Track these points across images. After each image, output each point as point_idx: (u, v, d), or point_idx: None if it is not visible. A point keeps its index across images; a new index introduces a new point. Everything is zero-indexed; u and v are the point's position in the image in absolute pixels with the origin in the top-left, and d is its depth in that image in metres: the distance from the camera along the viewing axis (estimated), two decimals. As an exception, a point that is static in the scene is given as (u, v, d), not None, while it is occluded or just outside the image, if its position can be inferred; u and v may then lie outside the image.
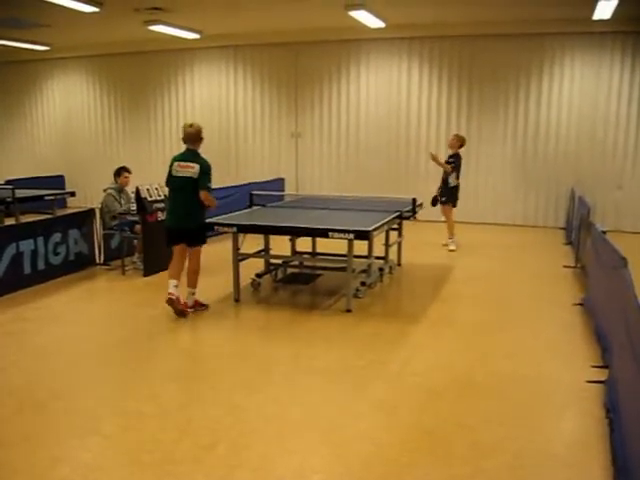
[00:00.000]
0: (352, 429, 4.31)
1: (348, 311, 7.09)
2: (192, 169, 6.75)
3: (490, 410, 4.67)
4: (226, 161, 15.98)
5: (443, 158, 11.23)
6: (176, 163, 6.87)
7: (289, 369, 5.50)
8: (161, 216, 8.90)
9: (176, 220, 7.02)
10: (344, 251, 7.15)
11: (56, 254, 8.58)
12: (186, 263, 7.15)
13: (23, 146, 18.40)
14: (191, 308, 7.09)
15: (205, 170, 6.79)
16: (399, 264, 9.48)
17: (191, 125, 6.97)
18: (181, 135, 7.03)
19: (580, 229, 9.19)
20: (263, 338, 6.36)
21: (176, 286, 6.88)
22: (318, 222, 7.53)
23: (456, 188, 10.93)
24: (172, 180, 6.93)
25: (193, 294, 7.12)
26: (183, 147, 6.99)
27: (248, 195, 9.09)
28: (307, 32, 14.06)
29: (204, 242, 7.17)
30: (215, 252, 9.46)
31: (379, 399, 4.83)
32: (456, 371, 5.43)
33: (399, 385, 5.14)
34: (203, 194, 6.79)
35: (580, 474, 3.78)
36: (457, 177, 10.87)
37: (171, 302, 6.83)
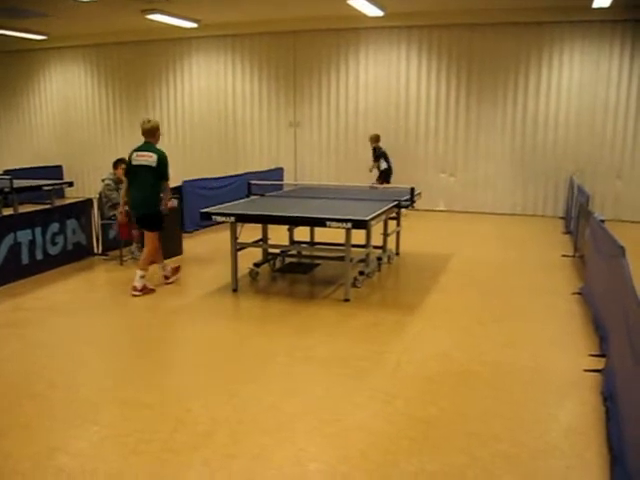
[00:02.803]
0: (350, 418, 4.32)
1: (346, 300, 7.10)
2: (150, 158, 7.30)
3: (487, 399, 4.67)
4: (225, 151, 15.99)
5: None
6: (135, 153, 7.43)
7: (287, 358, 5.50)
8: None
9: (135, 207, 7.56)
10: (342, 240, 7.15)
11: (54, 244, 8.58)
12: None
13: (21, 136, 18.37)
14: (139, 291, 7.40)
15: (163, 161, 7.36)
16: (397, 253, 9.48)
17: (149, 121, 7.52)
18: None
19: (579, 218, 9.19)
20: (261, 328, 6.36)
21: (143, 276, 7.44)
22: (316, 211, 7.52)
23: (387, 170, 13.27)
24: (131, 169, 7.43)
25: (142, 277, 7.44)
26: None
27: (246, 185, 9.07)
28: (306, 21, 14.03)
29: (160, 228, 7.59)
30: (213, 242, 9.49)
31: (377, 389, 4.84)
32: (454, 361, 5.44)
33: (397, 375, 5.14)
34: (165, 184, 7.46)
35: (577, 462, 3.79)
36: (387, 162, 13.23)
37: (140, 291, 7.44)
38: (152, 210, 7.47)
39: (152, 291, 7.55)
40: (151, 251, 7.56)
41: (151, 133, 7.45)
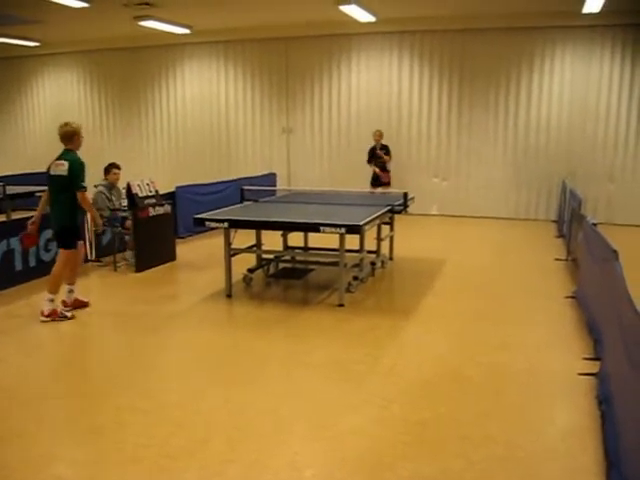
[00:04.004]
0: (345, 422, 4.32)
1: (340, 305, 7.10)
2: (62, 167, 6.58)
3: (482, 403, 4.69)
4: (217, 156, 15.98)
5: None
6: (53, 162, 6.73)
7: (282, 364, 5.50)
8: (152, 212, 8.90)
9: (52, 220, 6.82)
10: (336, 246, 7.16)
11: (47, 251, 8.54)
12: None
13: (14, 142, 18.33)
14: (47, 317, 6.60)
15: (74, 169, 6.58)
16: (391, 258, 9.49)
17: (66, 124, 6.84)
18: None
19: (571, 222, 9.23)
20: (255, 333, 6.35)
21: (51, 300, 6.64)
22: (310, 217, 7.52)
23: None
24: (48, 179, 6.76)
25: (51, 300, 6.64)
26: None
27: (240, 190, 9.06)
28: (297, 27, 14.05)
29: (69, 246, 6.76)
30: (206, 247, 9.48)
31: (372, 393, 4.84)
32: (448, 364, 5.45)
33: (392, 379, 5.15)
34: (79, 195, 6.58)
35: (572, 466, 3.80)
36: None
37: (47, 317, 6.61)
38: (60, 225, 6.70)
39: (65, 318, 6.67)
40: (55, 271, 6.73)
41: (67, 138, 6.76)
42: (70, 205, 6.63)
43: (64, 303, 6.91)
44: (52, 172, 6.67)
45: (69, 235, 6.75)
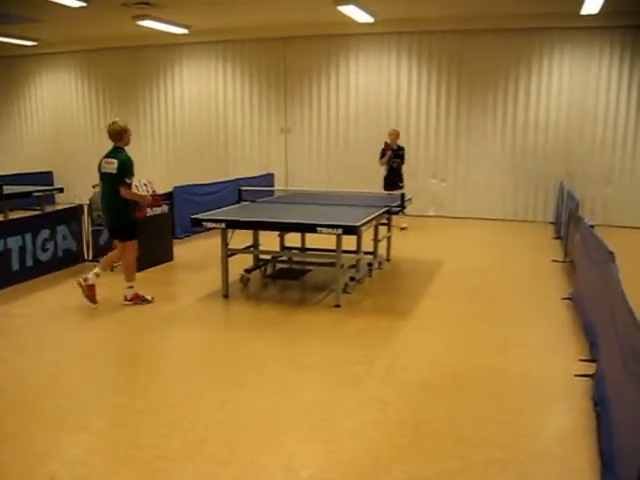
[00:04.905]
0: (342, 424, 4.32)
1: (337, 306, 7.10)
2: (112, 165, 6.86)
3: (479, 405, 4.69)
4: (215, 157, 15.98)
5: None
6: (103, 160, 7.02)
7: (279, 365, 5.50)
8: (150, 212, 8.89)
9: (103, 215, 7.45)
10: (333, 246, 7.16)
11: (44, 250, 8.54)
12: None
13: (11, 142, 18.30)
14: (130, 301, 7.23)
15: (122, 166, 6.86)
16: (388, 259, 9.49)
17: (113, 123, 7.04)
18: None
19: (569, 223, 9.23)
20: (252, 334, 6.35)
21: (97, 274, 7.13)
22: (307, 217, 7.52)
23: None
24: (100, 176, 7.13)
25: (131, 287, 7.26)
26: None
27: (237, 190, 9.06)
28: (296, 27, 14.05)
29: (130, 238, 7.22)
30: (204, 248, 9.47)
31: (369, 394, 4.84)
32: (445, 366, 5.45)
33: (389, 380, 5.15)
34: (122, 190, 6.89)
35: (568, 467, 3.81)
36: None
37: (80, 284, 7.11)
38: (115, 220, 7.16)
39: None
40: (127, 262, 7.29)
41: (115, 135, 6.97)
42: (120, 201, 6.96)
43: (81, 284, 7.18)
44: (102, 170, 7.01)
45: (124, 229, 7.19)
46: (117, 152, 6.96)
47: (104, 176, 7.00)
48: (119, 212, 7.08)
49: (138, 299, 7.28)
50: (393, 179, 11.89)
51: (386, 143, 11.98)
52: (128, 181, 6.91)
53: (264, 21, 13.70)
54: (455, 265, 9.37)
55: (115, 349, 6.00)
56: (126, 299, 7.24)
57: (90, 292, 7.10)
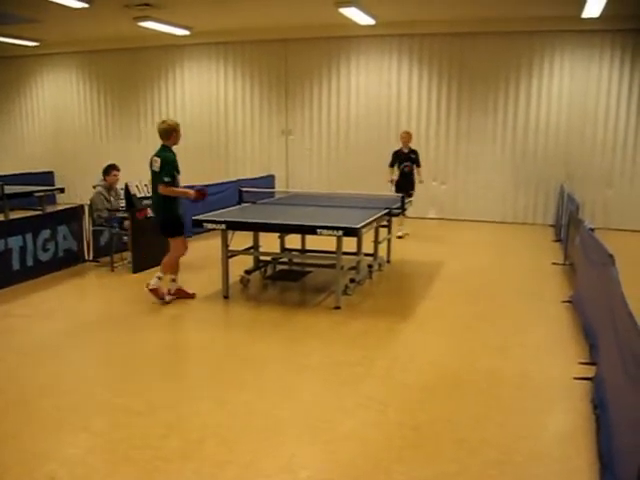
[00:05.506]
0: (341, 426, 4.32)
1: (337, 308, 7.10)
2: (156, 163, 7.00)
3: (478, 406, 4.69)
4: (216, 158, 15.99)
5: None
6: (152, 157, 7.13)
7: (278, 366, 5.50)
8: (150, 213, 8.88)
9: (153, 211, 7.51)
10: (333, 248, 7.16)
11: (45, 250, 8.55)
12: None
13: (12, 142, 18.31)
14: (172, 295, 7.38)
15: (163, 164, 6.96)
16: (388, 261, 9.49)
17: (164, 122, 7.15)
18: None
19: (569, 226, 9.24)
20: (252, 335, 6.35)
21: (159, 277, 7.24)
22: (307, 219, 7.52)
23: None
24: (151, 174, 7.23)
25: (173, 280, 7.42)
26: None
27: (238, 192, 9.06)
28: (297, 29, 14.06)
29: (175, 234, 7.28)
30: (204, 249, 9.47)
31: (368, 396, 4.84)
32: (445, 368, 5.45)
33: (388, 382, 5.15)
34: (160, 188, 6.98)
35: (567, 469, 3.81)
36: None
37: (150, 291, 7.26)
38: (160, 216, 7.25)
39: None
40: (170, 256, 7.34)
41: (163, 134, 7.05)
42: (166, 198, 7.07)
43: (168, 291, 7.38)
44: (151, 167, 7.10)
45: (171, 225, 7.24)
46: (163, 150, 7.07)
47: (152, 174, 7.10)
48: (165, 209, 7.15)
49: (182, 292, 7.48)
50: (405, 185, 11.33)
51: (397, 151, 11.65)
52: (166, 179, 6.93)
53: (265, 23, 13.71)
54: (455, 267, 9.38)
55: (115, 349, 6.00)
56: (169, 292, 7.38)
57: (156, 294, 7.25)
